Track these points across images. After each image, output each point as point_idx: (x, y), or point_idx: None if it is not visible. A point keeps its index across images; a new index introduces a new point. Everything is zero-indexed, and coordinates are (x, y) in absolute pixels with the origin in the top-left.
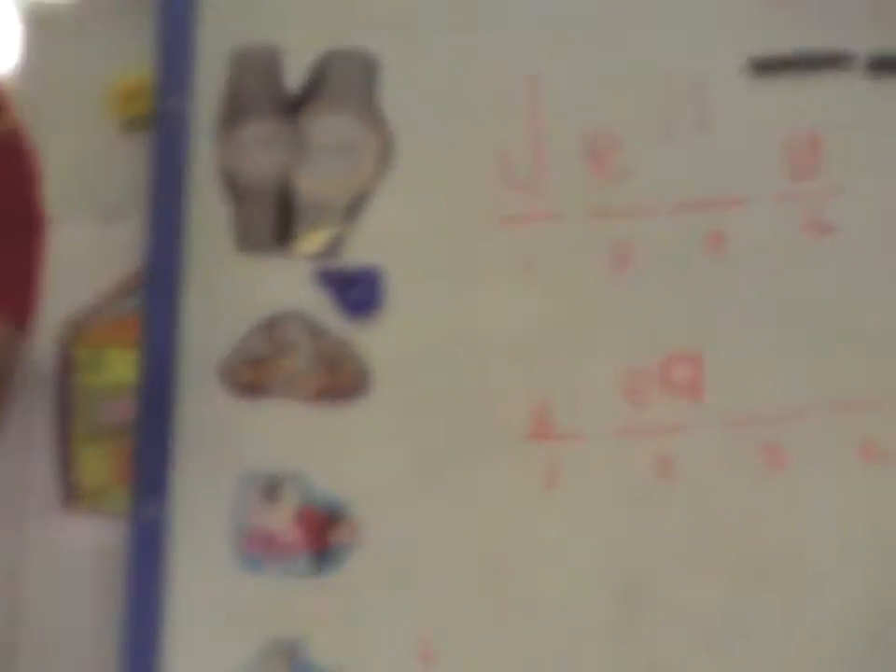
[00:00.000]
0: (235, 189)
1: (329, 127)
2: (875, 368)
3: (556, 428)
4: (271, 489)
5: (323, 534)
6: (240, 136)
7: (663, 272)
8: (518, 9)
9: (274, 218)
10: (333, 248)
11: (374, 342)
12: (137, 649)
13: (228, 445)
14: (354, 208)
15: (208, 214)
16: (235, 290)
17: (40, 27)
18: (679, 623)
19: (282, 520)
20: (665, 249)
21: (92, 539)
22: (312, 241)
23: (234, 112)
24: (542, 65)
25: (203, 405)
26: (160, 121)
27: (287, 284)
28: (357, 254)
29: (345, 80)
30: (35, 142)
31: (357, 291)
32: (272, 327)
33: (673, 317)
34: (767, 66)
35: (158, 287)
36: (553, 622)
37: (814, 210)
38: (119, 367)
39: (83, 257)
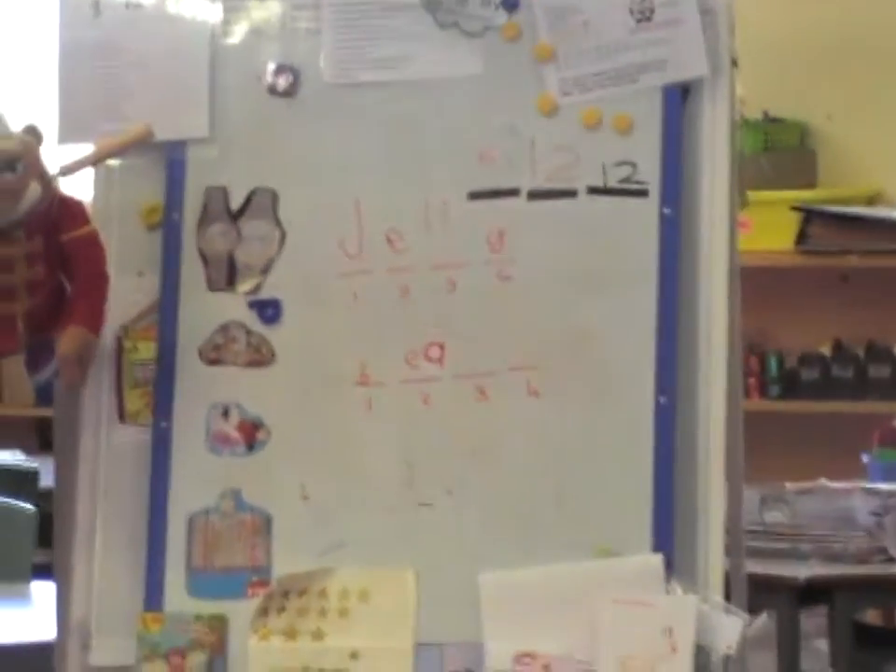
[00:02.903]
0: (205, 258)
1: (254, 226)
2: None
3: None
4: None
5: None
6: (209, 231)
7: None
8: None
9: (226, 274)
10: (256, 288)
11: (280, 339)
12: None
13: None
14: (266, 269)
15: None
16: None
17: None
18: None
19: None
20: None
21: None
22: (245, 285)
23: (204, 219)
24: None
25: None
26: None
27: (233, 307)
28: (269, 292)
29: (261, 202)
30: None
31: (269, 310)
32: (225, 328)
33: None
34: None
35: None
36: None
37: None
38: (146, 350)
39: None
